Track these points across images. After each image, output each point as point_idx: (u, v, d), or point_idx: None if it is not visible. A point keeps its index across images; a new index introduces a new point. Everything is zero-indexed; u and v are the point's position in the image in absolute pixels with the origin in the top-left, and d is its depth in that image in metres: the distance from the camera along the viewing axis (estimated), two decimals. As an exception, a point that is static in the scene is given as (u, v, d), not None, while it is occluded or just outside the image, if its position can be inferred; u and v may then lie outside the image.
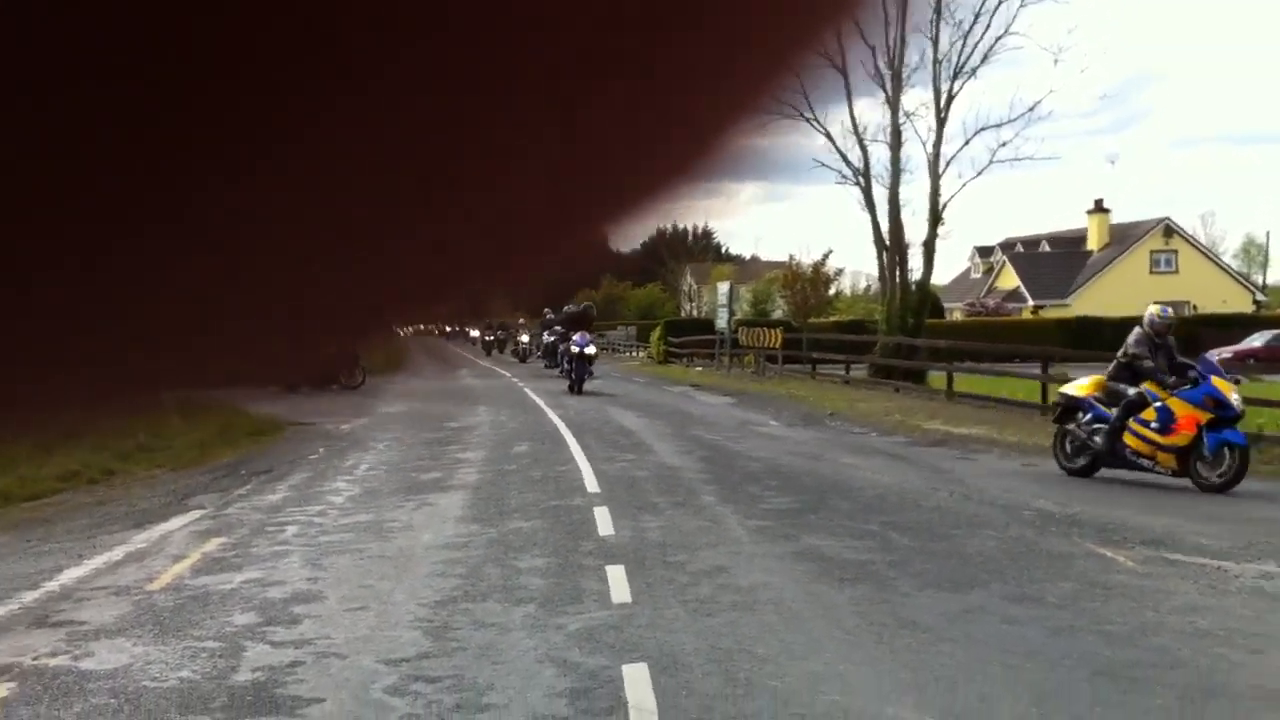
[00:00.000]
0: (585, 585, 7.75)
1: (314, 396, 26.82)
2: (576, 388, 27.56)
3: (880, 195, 31.74)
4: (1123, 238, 66.08)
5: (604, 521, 10.06)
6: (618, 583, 7.73)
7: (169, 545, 9.42)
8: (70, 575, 8.30)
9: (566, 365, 29.21)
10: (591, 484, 12.36)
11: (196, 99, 0.43)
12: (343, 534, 9.81)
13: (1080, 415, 13.51)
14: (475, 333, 68.55)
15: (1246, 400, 17.56)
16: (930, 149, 31.16)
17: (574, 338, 28.51)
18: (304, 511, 10.96)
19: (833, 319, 47.92)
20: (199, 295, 0.49)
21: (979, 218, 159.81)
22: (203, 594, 7.71)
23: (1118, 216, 68.52)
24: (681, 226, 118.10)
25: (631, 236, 0.62)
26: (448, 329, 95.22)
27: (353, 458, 15.11)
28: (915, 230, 31.96)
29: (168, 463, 14.28)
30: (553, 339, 35.34)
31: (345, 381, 29.48)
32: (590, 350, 28.57)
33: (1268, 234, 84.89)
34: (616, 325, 65.40)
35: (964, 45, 30.79)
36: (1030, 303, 63.28)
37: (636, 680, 5.78)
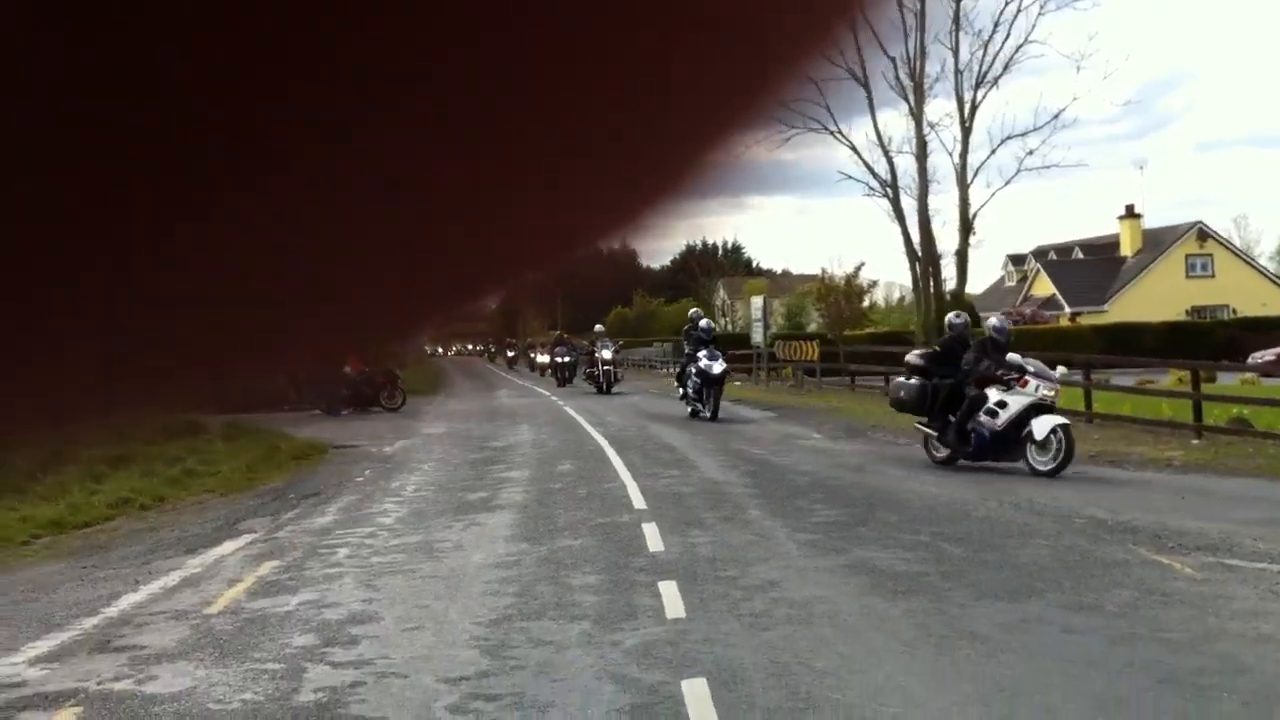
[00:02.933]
0: (639, 601, 7.75)
1: (355, 419, 27.02)
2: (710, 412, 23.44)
3: (909, 206, 31.82)
4: (1156, 243, 65.63)
5: (653, 538, 10.06)
6: (671, 598, 7.73)
7: (223, 570, 9.49)
8: (128, 601, 8.38)
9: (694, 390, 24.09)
10: (638, 500, 12.36)
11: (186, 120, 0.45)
12: (394, 555, 9.85)
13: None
14: (543, 357, 54.56)
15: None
16: (957, 159, 31.30)
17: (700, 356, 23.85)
18: (354, 533, 11.02)
19: (869, 330, 47.78)
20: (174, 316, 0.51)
21: (1010, 226, 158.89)
22: (260, 617, 7.77)
23: (1149, 221, 68.12)
24: (711, 241, 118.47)
25: (656, 245, 0.62)
26: (509, 353, 78.18)
27: (399, 479, 15.17)
28: (947, 240, 31.97)
29: (217, 488, 14.38)
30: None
31: (386, 403, 29.63)
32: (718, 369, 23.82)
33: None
34: (651, 342, 65.29)
35: (984, 54, 30.95)
36: (1067, 310, 62.91)
37: (697, 695, 5.78)
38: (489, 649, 6.72)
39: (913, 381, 15.61)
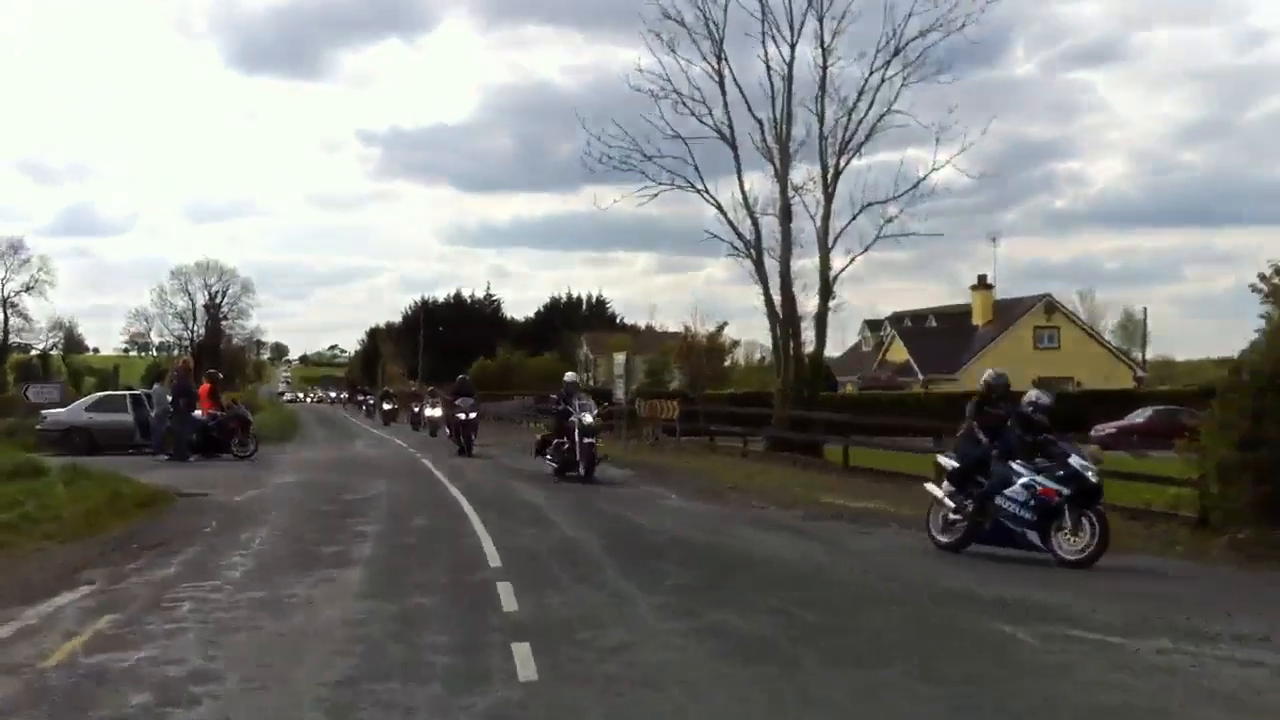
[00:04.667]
0: (491, 663, 7.65)
1: (205, 466, 26.33)
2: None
3: (772, 268, 32.12)
4: (1006, 313, 67.78)
5: (507, 597, 9.97)
6: (524, 660, 7.65)
7: (61, 621, 9.13)
8: (-43, 653, 8.02)
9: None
10: (494, 558, 12.27)
11: None
12: (239, 611, 9.59)
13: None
14: (433, 410, 44.18)
15: (1135, 476, 18.07)
16: (819, 223, 31.70)
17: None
18: (199, 587, 10.70)
19: (728, 391, 48.28)
20: None
21: (869, 291, 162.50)
22: (97, 672, 7.48)
23: (1001, 291, 70.35)
24: (576, 294, 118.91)
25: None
26: (385, 405, 63.18)
27: (248, 531, 14.79)
28: (808, 303, 32.34)
29: (56, 534, 13.84)
30: None
31: (238, 451, 28.93)
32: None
33: (1144, 310, 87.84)
34: (513, 395, 64.95)
35: (849, 121, 31.47)
36: (920, 377, 64.42)
37: (548, 762, 5.73)
38: (334, 711, 6.57)
39: None
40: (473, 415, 32.23)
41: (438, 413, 42.43)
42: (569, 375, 26.56)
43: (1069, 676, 7.50)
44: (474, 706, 6.61)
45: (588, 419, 23.05)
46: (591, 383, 71.50)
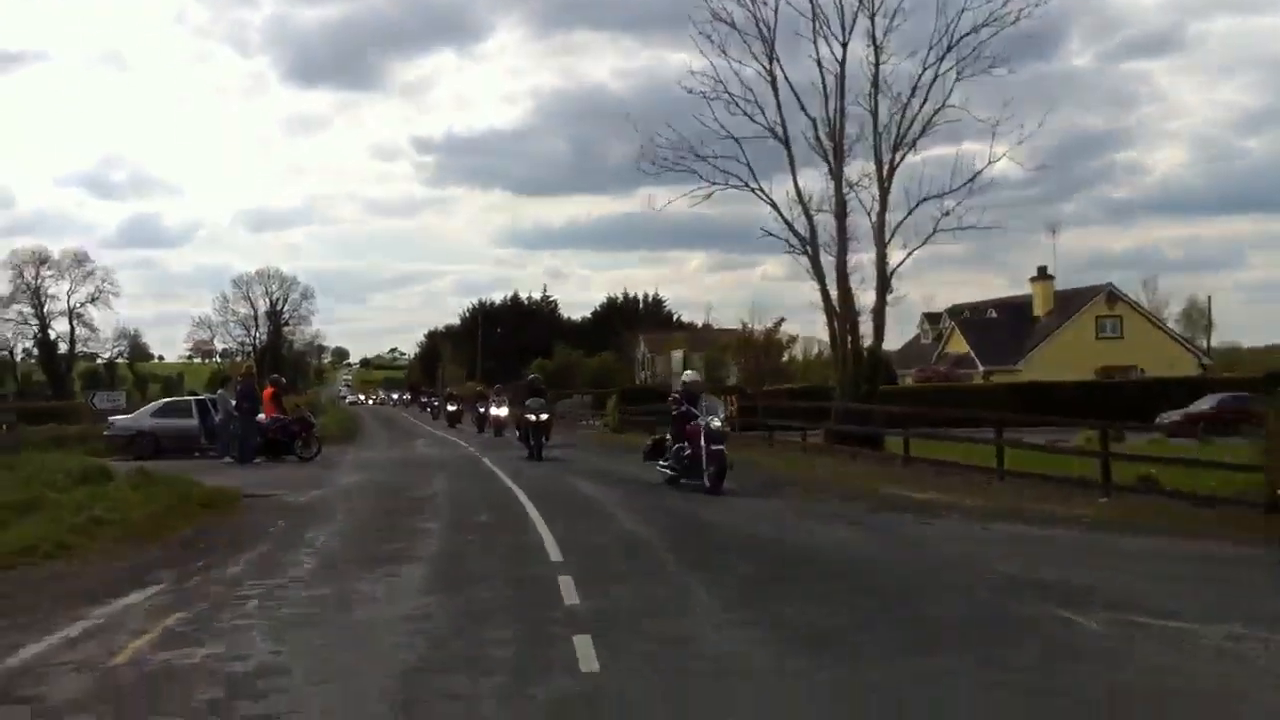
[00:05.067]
0: (553, 655, 7.67)
1: (269, 468, 26.61)
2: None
3: (828, 263, 31.90)
4: (1067, 304, 67.01)
5: (569, 590, 9.99)
6: (586, 652, 7.65)
7: (129, 620, 9.24)
8: (30, 651, 8.12)
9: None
10: (554, 553, 12.29)
11: None
12: (305, 607, 9.68)
13: None
14: (499, 410, 43.24)
15: (1201, 464, 17.90)
16: (874, 218, 31.42)
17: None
18: (265, 584, 10.81)
19: (787, 386, 48.07)
20: None
21: (926, 284, 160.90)
22: (166, 669, 7.57)
23: (1061, 282, 69.56)
24: (633, 294, 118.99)
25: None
26: (450, 406, 60.88)
27: (313, 530, 14.94)
28: (865, 297, 32.06)
29: (124, 536, 14.04)
30: None
31: (301, 453, 29.22)
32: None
33: (1209, 299, 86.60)
34: (571, 394, 65.01)
35: (903, 118, 31.15)
36: (981, 368, 63.84)
37: (611, 750, 5.73)
38: (400, 703, 6.61)
39: None
40: (544, 417, 29.78)
41: (504, 413, 41.81)
42: (688, 374, 24.90)
43: (1135, 662, 7.41)
44: (537, 697, 6.64)
45: (716, 423, 20.14)
46: (649, 380, 71.45)
